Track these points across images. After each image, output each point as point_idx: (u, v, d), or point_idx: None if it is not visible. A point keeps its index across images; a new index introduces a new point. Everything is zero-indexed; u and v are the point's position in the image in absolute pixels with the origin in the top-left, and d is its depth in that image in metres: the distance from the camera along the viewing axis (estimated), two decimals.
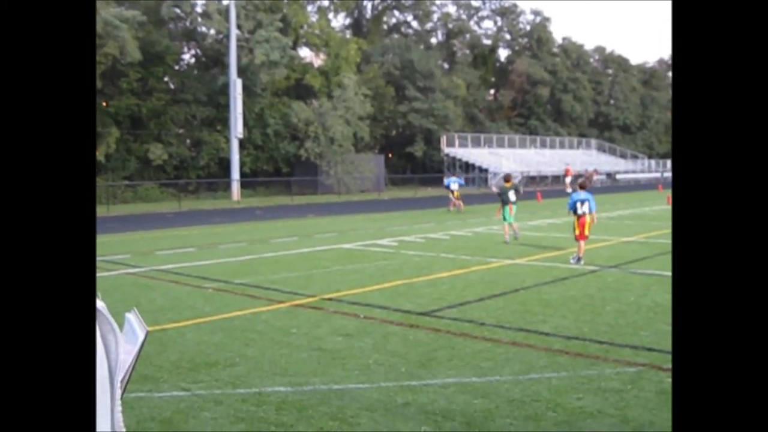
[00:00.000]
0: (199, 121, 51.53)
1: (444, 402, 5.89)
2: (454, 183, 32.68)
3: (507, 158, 68.02)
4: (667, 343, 7.75)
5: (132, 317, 2.37)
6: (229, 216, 32.26)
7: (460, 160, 66.19)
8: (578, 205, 14.45)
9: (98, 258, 14.59)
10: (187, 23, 53.01)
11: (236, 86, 46.55)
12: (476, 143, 70.98)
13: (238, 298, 10.97)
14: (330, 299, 10.73)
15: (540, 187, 56.14)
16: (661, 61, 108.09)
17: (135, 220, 30.44)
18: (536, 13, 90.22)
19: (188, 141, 53.25)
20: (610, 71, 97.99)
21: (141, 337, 2.31)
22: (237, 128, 46.95)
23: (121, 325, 2.12)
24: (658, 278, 12.26)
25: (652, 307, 9.80)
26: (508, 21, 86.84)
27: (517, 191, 19.59)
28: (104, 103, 45.44)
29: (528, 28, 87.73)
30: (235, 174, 47.94)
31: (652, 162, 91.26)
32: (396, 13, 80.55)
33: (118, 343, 2.13)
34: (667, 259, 14.68)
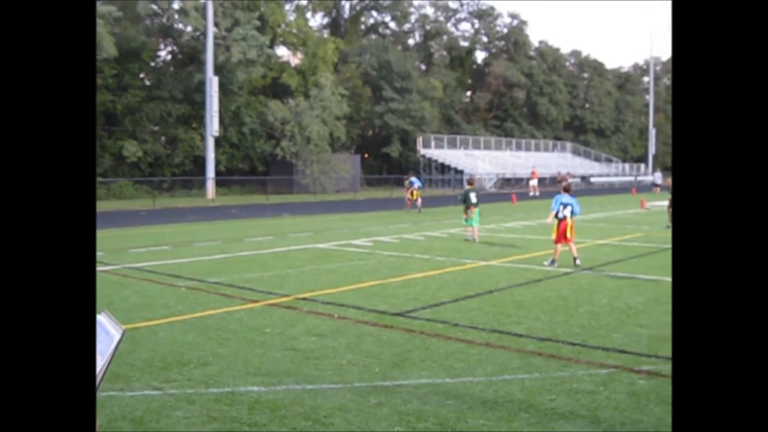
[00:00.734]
0: (174, 118, 51.17)
1: (417, 403, 5.89)
2: (416, 182, 33.76)
3: (483, 160, 68.30)
4: (638, 345, 7.82)
5: (103, 319, 2.34)
6: (203, 214, 32.08)
7: (436, 161, 66.36)
8: (561, 208, 14.39)
9: None
10: (164, 20, 52.63)
11: (212, 84, 46.29)
12: (452, 144, 71.19)
13: (212, 297, 10.91)
14: (304, 299, 10.70)
15: (515, 189, 56.40)
16: (635, 66, 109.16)
17: (109, 217, 30.16)
18: (513, 16, 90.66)
19: (163, 138, 52.91)
20: (585, 75, 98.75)
21: (117, 337, 2.28)
22: (213, 126, 46.69)
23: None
24: (631, 281, 12.36)
25: (625, 309, 9.88)
26: (485, 23, 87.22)
27: (477, 195, 19.96)
28: None
29: (505, 31, 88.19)
30: (211, 172, 47.67)
31: (626, 165, 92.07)
32: (374, 13, 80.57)
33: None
34: (639, 262, 14.81)
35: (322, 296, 10.93)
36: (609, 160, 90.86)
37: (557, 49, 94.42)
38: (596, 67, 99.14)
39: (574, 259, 14.10)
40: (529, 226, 24.17)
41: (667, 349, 7.61)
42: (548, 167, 74.92)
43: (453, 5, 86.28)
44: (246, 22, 49.91)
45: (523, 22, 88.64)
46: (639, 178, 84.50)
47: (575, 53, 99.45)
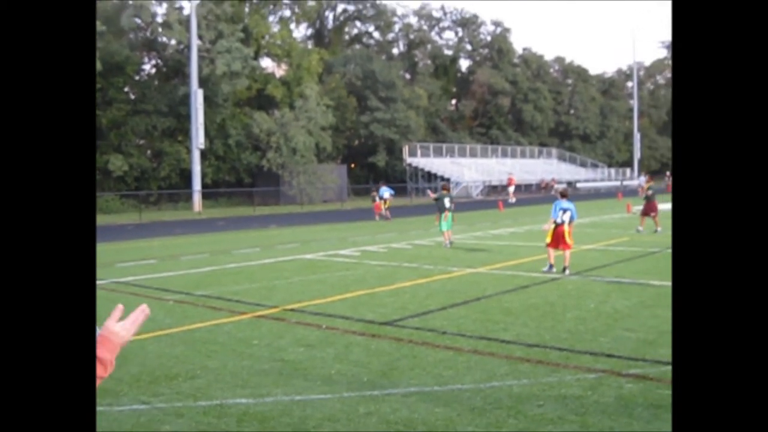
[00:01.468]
0: (159, 131, 51.02)
1: (406, 411, 5.90)
2: (386, 192, 34.27)
3: (469, 168, 68.44)
4: (626, 349, 7.86)
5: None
6: (190, 227, 31.99)
7: (422, 169, 66.42)
8: (560, 213, 14.32)
9: None
10: (148, 33, 52.57)
11: (197, 97, 46.22)
12: (438, 153, 71.30)
13: (200, 310, 10.88)
14: (292, 310, 10.70)
15: (501, 196, 56.45)
16: (619, 71, 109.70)
17: (95, 232, 30.01)
18: (497, 24, 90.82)
19: (149, 152, 52.71)
20: (569, 81, 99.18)
21: None
22: (198, 139, 46.60)
23: None
24: (618, 285, 12.42)
25: (612, 313, 9.93)
26: (469, 32, 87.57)
27: (451, 200, 20.35)
28: None
29: (489, 38, 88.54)
30: (197, 185, 47.56)
31: (612, 171, 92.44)
32: (357, 23, 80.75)
33: None
34: (626, 266, 14.88)
35: (310, 307, 10.93)
36: (595, 166, 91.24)
37: (541, 56, 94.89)
38: (580, 73, 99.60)
39: (564, 267, 14.04)
40: (516, 233, 24.24)
41: (653, 353, 7.66)
42: (534, 173, 75.15)
43: (436, 14, 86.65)
44: (230, 35, 49.90)
45: (507, 30, 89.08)
46: (625, 183, 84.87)
47: (559, 59, 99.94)
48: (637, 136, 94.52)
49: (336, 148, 62.61)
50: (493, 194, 63.44)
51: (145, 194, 48.01)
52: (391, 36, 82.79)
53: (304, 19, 71.65)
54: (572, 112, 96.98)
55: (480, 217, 33.98)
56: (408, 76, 79.46)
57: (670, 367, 6.86)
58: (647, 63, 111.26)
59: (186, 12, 48.81)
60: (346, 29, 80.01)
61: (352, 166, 67.65)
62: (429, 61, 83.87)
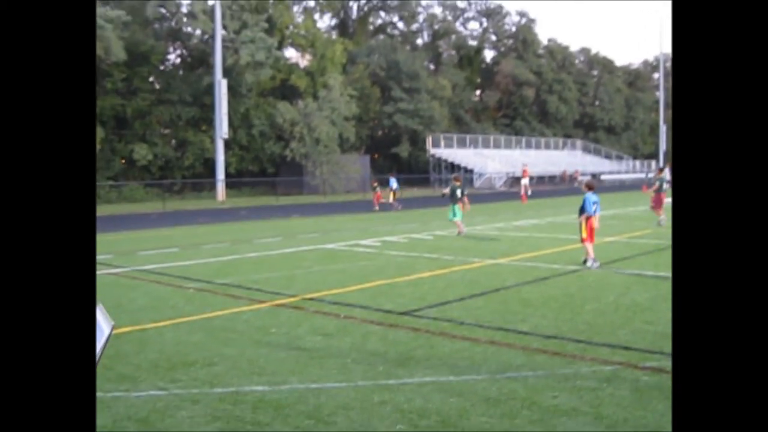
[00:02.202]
0: (184, 121, 51.38)
1: (420, 401, 5.91)
2: (394, 183, 35.60)
3: (492, 159, 68.21)
4: (643, 342, 7.81)
5: (98, 313, 2.39)
6: (213, 216, 32.19)
7: (445, 160, 66.30)
8: (593, 206, 14.08)
9: None
10: (173, 23, 52.86)
11: (221, 86, 46.45)
12: (462, 144, 71.14)
13: (220, 298, 10.96)
14: (311, 299, 10.74)
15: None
16: (645, 63, 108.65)
17: (119, 220, 30.31)
18: (522, 14, 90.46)
19: (173, 141, 53.10)
20: (595, 72, 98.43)
21: (107, 331, 2.32)
22: (222, 129, 46.85)
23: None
24: (639, 278, 12.34)
25: (631, 306, 9.86)
26: (493, 22, 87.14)
27: (462, 191, 20.93)
28: None
29: (513, 29, 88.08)
30: (220, 174, 47.83)
31: (637, 163, 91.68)
32: (382, 14, 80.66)
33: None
34: (648, 259, 14.77)
35: (329, 296, 10.96)
36: (619, 158, 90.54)
37: (566, 47, 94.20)
38: (606, 65, 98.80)
39: (585, 260, 13.87)
40: (538, 225, 24.14)
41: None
42: (558, 165, 74.70)
43: (461, 4, 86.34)
44: (254, 25, 50.04)
45: (532, 20, 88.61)
46: (650, 175, 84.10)
47: (584, 50, 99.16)
48: (663, 128, 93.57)
49: (359, 138, 62.64)
50: (516, 185, 63.03)
51: (169, 183, 48.38)
52: (415, 26, 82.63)
53: (328, 10, 71.74)
54: (597, 103, 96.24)
55: (502, 208, 33.87)
56: (432, 66, 79.28)
57: None
58: None
59: (210, 2, 48.99)
60: (371, 19, 79.93)
61: (375, 156, 67.63)
62: (453, 52, 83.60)
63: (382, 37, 77.44)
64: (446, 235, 20.65)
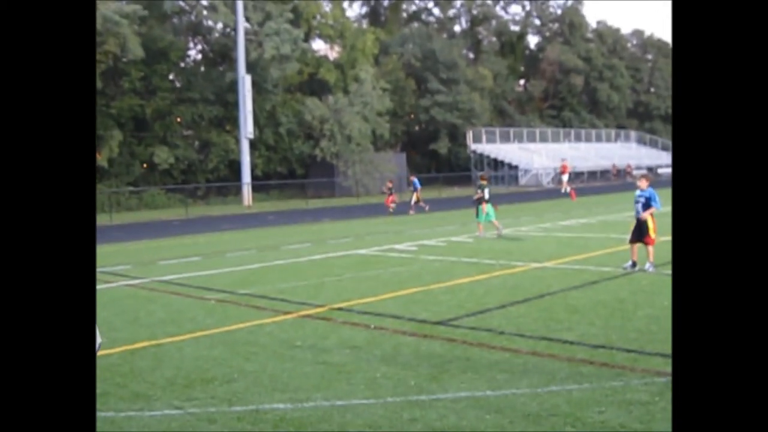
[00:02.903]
0: (206, 121, 51.82)
1: (454, 418, 5.88)
2: (418, 183, 36.25)
3: (539, 154, 67.77)
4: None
5: None
6: (239, 222, 32.43)
7: (488, 156, 66.08)
8: (637, 205, 13.81)
9: (97, 269, 14.70)
10: (192, 17, 53.42)
11: (245, 83, 46.75)
12: (505, 138, 70.81)
13: (242, 310, 11.02)
14: (340, 309, 10.75)
15: (575, 184, 55.71)
16: None
17: (139, 228, 30.69)
18: None
19: (196, 143, 53.61)
20: (649, 57, 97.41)
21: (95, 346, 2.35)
22: (247, 128, 47.14)
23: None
24: None
25: None
26: (537, 5, 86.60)
27: (489, 190, 21.07)
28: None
29: (559, 12, 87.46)
30: (246, 177, 48.14)
31: None
32: None
33: None
34: None
35: (358, 306, 10.97)
36: None
37: (617, 30, 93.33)
38: (661, 48, 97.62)
39: (634, 263, 13.62)
40: (588, 224, 23.92)
41: None
42: (611, 159, 74.00)
43: None
44: (278, 16, 50.32)
45: (579, 2, 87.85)
46: None
47: (637, 33, 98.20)
48: None
49: (394, 134, 62.71)
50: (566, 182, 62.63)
51: (193, 188, 48.82)
52: (452, 12, 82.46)
53: None
54: (653, 90, 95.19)
55: (550, 206, 33.65)
56: (471, 55, 79.07)
57: None
58: None
59: None
60: (404, 6, 79.93)
61: (412, 153, 67.63)
62: (494, 39, 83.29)
63: (416, 24, 77.45)
64: (486, 237, 20.55)
